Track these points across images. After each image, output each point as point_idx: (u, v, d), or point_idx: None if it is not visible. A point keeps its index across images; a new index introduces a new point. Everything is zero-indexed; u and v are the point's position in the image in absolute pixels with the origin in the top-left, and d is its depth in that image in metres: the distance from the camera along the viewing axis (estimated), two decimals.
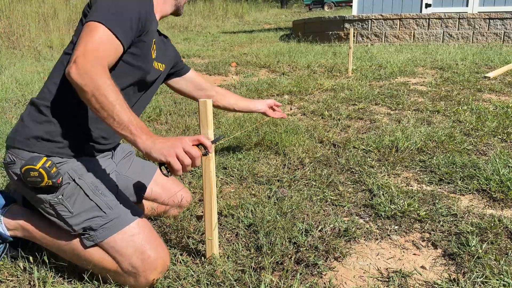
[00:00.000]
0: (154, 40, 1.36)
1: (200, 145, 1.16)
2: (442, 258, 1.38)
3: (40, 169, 1.16)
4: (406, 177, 2.03)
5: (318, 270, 1.32)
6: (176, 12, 1.55)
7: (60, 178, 1.20)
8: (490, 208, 1.70)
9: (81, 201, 1.22)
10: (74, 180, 1.23)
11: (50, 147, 1.25)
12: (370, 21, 7.02)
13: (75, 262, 1.27)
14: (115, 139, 1.44)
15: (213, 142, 1.20)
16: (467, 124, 2.77)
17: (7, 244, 1.39)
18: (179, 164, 1.09)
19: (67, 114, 1.27)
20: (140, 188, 1.57)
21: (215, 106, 1.97)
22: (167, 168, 1.12)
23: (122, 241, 1.20)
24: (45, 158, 1.19)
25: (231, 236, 1.52)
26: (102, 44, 1.15)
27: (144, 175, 1.60)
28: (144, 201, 1.61)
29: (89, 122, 1.31)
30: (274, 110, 2.20)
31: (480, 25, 6.45)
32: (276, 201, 1.77)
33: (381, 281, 1.27)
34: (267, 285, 1.22)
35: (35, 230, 1.31)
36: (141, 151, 1.10)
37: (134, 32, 1.24)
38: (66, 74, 1.11)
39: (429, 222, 1.59)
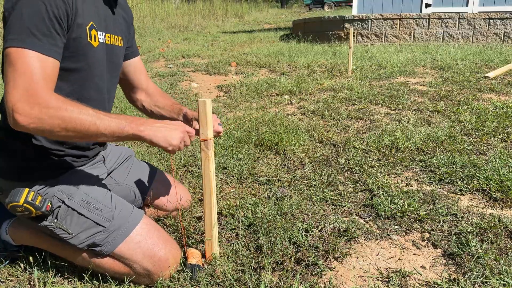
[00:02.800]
0: (91, 23, 1.15)
1: None
2: (442, 258, 1.38)
3: (25, 205, 1.11)
4: (406, 177, 2.03)
5: (318, 270, 1.32)
6: None
7: (49, 204, 1.15)
8: (490, 208, 1.70)
9: (77, 221, 1.18)
10: (64, 202, 1.18)
11: (28, 174, 1.18)
12: (370, 21, 7.02)
13: (86, 267, 1.25)
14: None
15: None
16: (467, 124, 2.77)
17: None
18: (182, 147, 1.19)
19: (29, 136, 1.16)
20: (140, 196, 1.55)
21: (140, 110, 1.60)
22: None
23: (129, 250, 1.20)
24: (26, 190, 1.12)
25: (231, 236, 1.52)
26: (35, 72, 0.99)
27: (144, 181, 1.56)
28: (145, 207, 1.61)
29: None
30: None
31: (480, 25, 6.45)
32: (276, 201, 1.77)
33: (381, 281, 1.27)
34: (267, 285, 1.22)
35: (41, 241, 1.30)
36: (147, 142, 1.12)
37: (61, 33, 1.06)
38: (14, 127, 0.98)
39: (429, 222, 1.59)
